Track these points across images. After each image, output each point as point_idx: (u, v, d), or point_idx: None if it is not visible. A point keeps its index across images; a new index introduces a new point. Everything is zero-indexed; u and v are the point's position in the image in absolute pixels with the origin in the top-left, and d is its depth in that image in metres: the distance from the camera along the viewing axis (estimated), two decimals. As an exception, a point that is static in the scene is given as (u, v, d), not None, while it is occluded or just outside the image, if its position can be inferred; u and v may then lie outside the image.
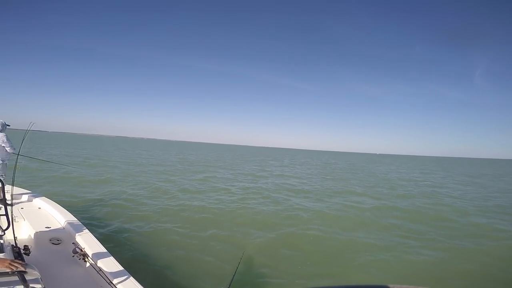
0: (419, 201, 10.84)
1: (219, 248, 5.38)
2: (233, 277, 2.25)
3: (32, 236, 3.25)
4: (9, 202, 4.04)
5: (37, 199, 4.45)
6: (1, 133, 4.44)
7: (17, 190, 4.66)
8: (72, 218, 3.69)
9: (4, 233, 2.28)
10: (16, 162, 3.55)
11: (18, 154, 3.93)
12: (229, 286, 2.08)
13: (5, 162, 4.47)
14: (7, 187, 3.74)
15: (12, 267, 1.59)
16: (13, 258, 2.24)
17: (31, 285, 1.62)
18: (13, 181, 3.46)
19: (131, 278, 2.40)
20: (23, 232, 3.47)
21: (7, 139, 4.46)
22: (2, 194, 3.32)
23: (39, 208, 4.20)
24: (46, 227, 3.39)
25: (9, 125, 4.56)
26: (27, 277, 1.62)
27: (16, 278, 1.59)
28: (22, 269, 1.59)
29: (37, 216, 3.80)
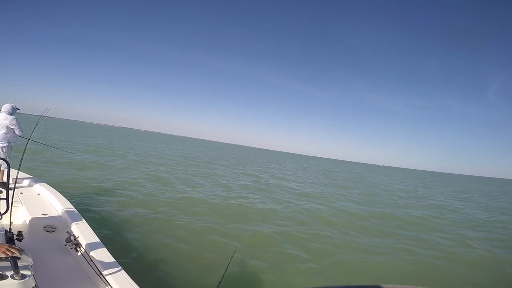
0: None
1: (213, 242, 5.47)
2: (225, 272, 2.24)
3: (27, 222, 3.26)
4: (11, 186, 4.13)
5: (37, 185, 4.47)
6: (11, 116, 4.55)
7: (19, 174, 4.73)
8: (70, 206, 3.70)
9: (1, 217, 2.28)
10: (26, 147, 3.61)
11: (29, 139, 4.00)
12: (221, 280, 2.07)
13: (11, 145, 4.56)
14: (12, 171, 3.79)
15: (8, 253, 1.58)
16: (4, 243, 2.30)
17: (21, 271, 1.61)
18: (19, 166, 3.52)
19: (122, 270, 2.41)
20: (20, 217, 3.49)
21: (17, 122, 4.56)
22: (6, 178, 3.38)
23: (38, 194, 4.22)
24: (42, 214, 3.41)
25: (19, 109, 4.67)
26: (20, 263, 1.62)
27: (8, 263, 1.58)
28: (18, 255, 1.59)
29: (35, 202, 3.81)
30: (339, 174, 33.65)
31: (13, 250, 1.60)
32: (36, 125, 3.73)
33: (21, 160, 3.30)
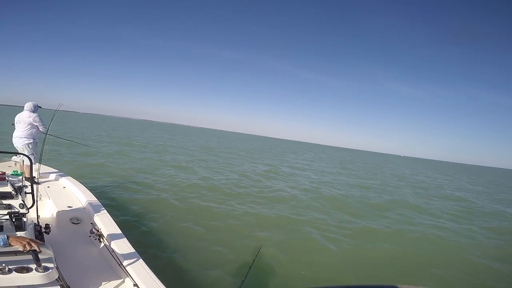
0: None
1: (236, 239, 5.34)
2: (248, 271, 2.22)
3: (54, 215, 3.44)
4: (36, 181, 4.34)
5: (63, 178, 4.71)
6: (34, 113, 4.74)
7: (45, 168, 4.94)
8: (93, 199, 3.85)
9: (28, 211, 2.35)
10: (44, 141, 3.78)
11: (47, 134, 4.17)
12: (244, 279, 2.05)
13: (36, 141, 4.77)
14: (36, 166, 3.99)
15: (28, 247, 1.63)
16: (34, 237, 2.36)
17: (43, 264, 1.67)
18: (40, 160, 3.68)
19: (141, 261, 2.48)
20: (47, 210, 3.67)
21: (40, 119, 4.75)
22: (30, 173, 3.56)
23: (64, 187, 4.43)
24: (68, 207, 3.57)
25: (40, 107, 4.86)
26: (41, 256, 1.68)
27: (30, 256, 1.65)
28: (36, 249, 1.65)
29: (61, 195, 4.00)
30: (361, 166, 33.02)
31: (33, 244, 1.65)
32: (52, 120, 3.87)
33: (41, 155, 3.46)
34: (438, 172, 38.25)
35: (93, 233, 2.96)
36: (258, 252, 3.27)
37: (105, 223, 3.12)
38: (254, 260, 2.71)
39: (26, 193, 2.69)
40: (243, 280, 2.11)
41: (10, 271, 1.56)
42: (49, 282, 1.70)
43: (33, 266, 1.63)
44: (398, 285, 0.92)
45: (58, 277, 1.79)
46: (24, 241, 1.64)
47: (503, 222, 9.68)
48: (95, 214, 3.32)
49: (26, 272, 1.59)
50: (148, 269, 2.38)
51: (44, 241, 2.43)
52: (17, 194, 2.59)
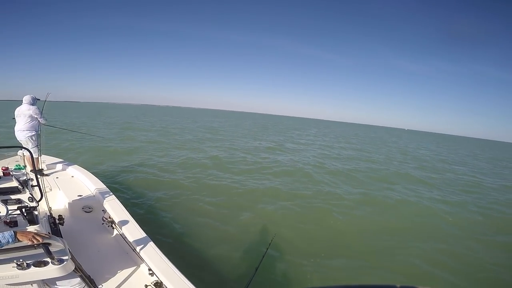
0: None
1: (249, 224, 5.24)
2: (261, 260, 2.18)
3: (67, 205, 3.46)
4: (44, 172, 4.35)
5: (70, 167, 4.70)
6: (34, 106, 4.72)
7: (51, 159, 4.96)
8: (102, 186, 3.85)
9: (38, 204, 2.31)
10: (39, 132, 3.74)
11: (44, 124, 4.11)
12: (257, 268, 2.01)
13: (38, 133, 4.76)
14: (41, 158, 3.98)
15: (34, 240, 1.60)
16: (49, 229, 2.37)
17: (57, 256, 1.65)
18: (39, 150, 3.65)
19: (154, 245, 2.51)
20: (59, 201, 3.68)
21: (39, 111, 4.75)
22: (36, 165, 3.54)
23: (72, 176, 4.43)
24: (78, 196, 3.59)
25: (39, 99, 4.90)
26: (52, 249, 1.66)
27: (42, 250, 1.64)
28: (42, 241, 1.62)
29: (70, 185, 4.01)
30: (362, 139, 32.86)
31: (37, 237, 1.62)
32: (42, 109, 3.80)
33: (39, 145, 3.43)
34: (440, 146, 38.09)
35: (105, 220, 3.00)
36: (272, 239, 3.13)
37: (115, 209, 3.14)
38: (267, 248, 2.62)
39: (32, 186, 2.67)
40: (257, 268, 2.06)
41: (28, 266, 1.57)
42: (69, 274, 1.71)
43: (49, 259, 1.63)
44: (398, 285, 0.92)
45: (76, 267, 1.80)
46: (30, 235, 1.62)
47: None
48: (105, 201, 3.33)
49: (43, 266, 1.60)
50: (161, 253, 2.41)
51: (60, 232, 2.46)
52: (23, 188, 2.58)
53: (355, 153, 17.11)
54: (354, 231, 5.32)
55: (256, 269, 1.96)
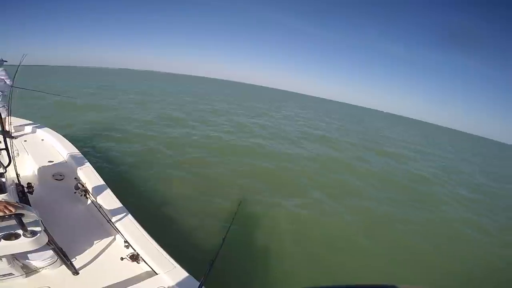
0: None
1: (221, 189, 5.48)
2: (228, 228, 2.16)
3: (36, 172, 3.17)
4: (12, 135, 4.04)
5: (40, 130, 4.36)
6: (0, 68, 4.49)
7: (20, 121, 4.54)
8: (75, 151, 3.60)
9: (6, 170, 2.10)
10: (10, 94, 3.49)
11: (12, 86, 3.87)
12: (224, 237, 1.99)
13: (5, 94, 4.54)
14: (8, 119, 3.69)
15: (6, 211, 1.44)
16: (17, 198, 2.13)
17: (30, 228, 1.53)
18: (9, 111, 3.40)
19: (130, 216, 2.44)
20: (27, 167, 3.37)
21: (6, 73, 4.65)
22: (3, 126, 3.30)
23: (42, 140, 4.12)
24: (49, 161, 3.35)
25: (6, 61, 4.71)
26: (25, 220, 1.53)
27: (14, 221, 1.50)
28: (15, 211, 1.47)
29: (40, 149, 3.72)
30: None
31: (9, 207, 1.46)
32: (16, 72, 3.57)
33: (9, 106, 3.21)
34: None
35: (78, 188, 2.80)
36: (238, 205, 3.28)
37: (89, 177, 2.95)
38: (233, 218, 2.60)
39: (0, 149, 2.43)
40: (224, 238, 2.03)
41: None
42: (40, 247, 1.60)
43: (21, 231, 1.51)
44: (398, 285, 0.92)
45: (49, 240, 1.69)
46: (1, 204, 1.46)
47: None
48: (78, 168, 3.11)
49: (14, 239, 1.49)
50: (137, 224, 2.34)
51: (29, 202, 2.24)
52: None
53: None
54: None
55: (223, 239, 1.95)
